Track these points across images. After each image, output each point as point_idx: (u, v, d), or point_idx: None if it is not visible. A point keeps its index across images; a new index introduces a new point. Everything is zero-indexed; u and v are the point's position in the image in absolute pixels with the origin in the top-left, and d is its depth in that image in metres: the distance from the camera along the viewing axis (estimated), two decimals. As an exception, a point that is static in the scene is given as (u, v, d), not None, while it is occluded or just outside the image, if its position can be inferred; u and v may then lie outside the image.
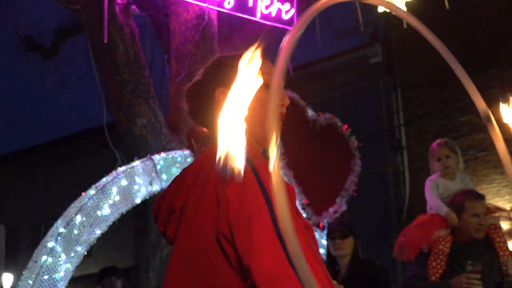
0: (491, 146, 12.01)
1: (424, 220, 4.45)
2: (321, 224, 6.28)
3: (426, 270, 4.15)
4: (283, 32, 6.65)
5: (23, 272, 4.89)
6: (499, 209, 4.51)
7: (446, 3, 7.29)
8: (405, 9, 6.99)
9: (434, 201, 4.50)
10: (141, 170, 5.26)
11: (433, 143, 4.73)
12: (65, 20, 8.77)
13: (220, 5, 5.90)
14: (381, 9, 6.87)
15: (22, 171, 18.97)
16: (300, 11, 6.57)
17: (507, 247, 4.19)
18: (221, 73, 1.97)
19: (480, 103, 1.55)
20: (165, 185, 5.34)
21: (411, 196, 12.49)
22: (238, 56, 1.99)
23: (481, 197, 4.23)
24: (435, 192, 4.57)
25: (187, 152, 5.50)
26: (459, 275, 3.96)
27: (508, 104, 1.66)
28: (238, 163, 1.15)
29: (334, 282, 3.40)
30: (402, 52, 12.45)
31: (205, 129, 2.06)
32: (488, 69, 11.08)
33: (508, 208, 4.62)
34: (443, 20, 10.70)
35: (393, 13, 1.39)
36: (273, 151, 0.98)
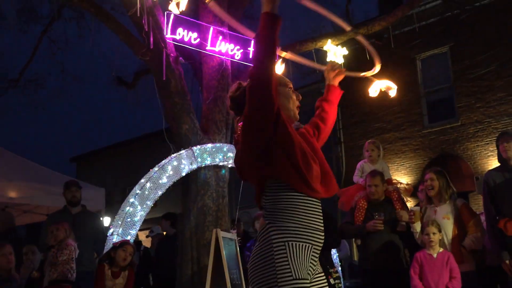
0: (393, 141, 12.01)
1: (353, 188, 4.44)
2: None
3: (354, 218, 4.15)
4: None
5: (115, 217, 4.89)
6: (398, 181, 4.48)
7: (368, 55, 7.26)
8: (342, 59, 6.93)
9: (355, 178, 4.59)
10: (185, 156, 5.24)
11: (366, 142, 4.70)
12: (140, 66, 8.73)
13: (232, 57, 5.88)
14: (328, 58, 6.81)
15: (113, 157, 18.94)
16: (288, 63, 6.53)
17: (400, 203, 4.16)
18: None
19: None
20: (199, 164, 5.32)
21: (347, 173, 12.49)
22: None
23: (375, 174, 4.14)
24: (358, 172, 4.58)
25: (213, 145, 5.48)
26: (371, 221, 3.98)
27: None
28: None
29: None
30: (342, 85, 12.42)
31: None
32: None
33: (404, 182, 4.60)
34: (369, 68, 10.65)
35: None
36: None
